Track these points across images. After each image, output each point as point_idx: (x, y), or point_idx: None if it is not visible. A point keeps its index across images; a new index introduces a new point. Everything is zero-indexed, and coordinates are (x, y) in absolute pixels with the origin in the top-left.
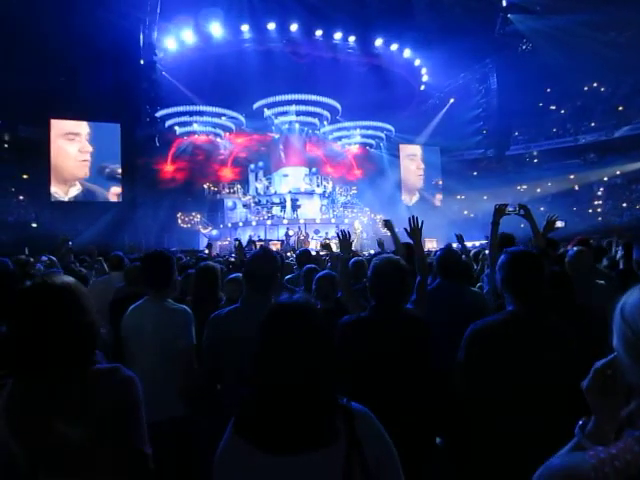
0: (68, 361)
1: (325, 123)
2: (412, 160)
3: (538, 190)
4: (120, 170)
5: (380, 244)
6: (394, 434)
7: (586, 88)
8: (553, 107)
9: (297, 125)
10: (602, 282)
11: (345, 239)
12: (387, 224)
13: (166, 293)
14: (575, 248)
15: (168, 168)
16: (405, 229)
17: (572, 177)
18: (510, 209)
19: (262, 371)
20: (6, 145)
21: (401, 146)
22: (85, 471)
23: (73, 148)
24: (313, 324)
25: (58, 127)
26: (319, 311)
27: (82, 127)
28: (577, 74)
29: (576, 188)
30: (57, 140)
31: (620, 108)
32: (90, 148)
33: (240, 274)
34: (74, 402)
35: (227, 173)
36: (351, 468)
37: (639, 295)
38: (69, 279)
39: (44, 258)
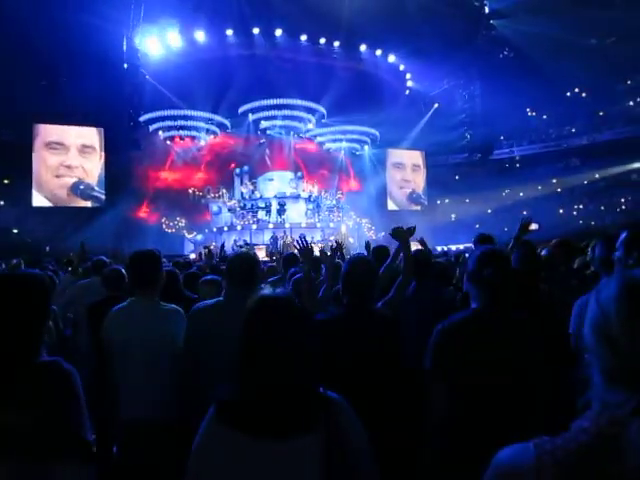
0: (11, 352)
1: (310, 127)
2: (398, 169)
3: (521, 194)
4: (97, 188)
5: (367, 247)
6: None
7: (568, 93)
8: (535, 113)
9: (282, 129)
10: (575, 282)
11: (306, 249)
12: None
13: (154, 293)
14: (546, 250)
15: (153, 174)
16: (390, 233)
17: (555, 181)
18: (534, 227)
19: (245, 359)
20: None
21: (388, 151)
22: (22, 457)
23: (55, 160)
24: (294, 315)
25: (43, 138)
26: (298, 304)
27: (72, 137)
28: (559, 79)
29: (558, 191)
30: (40, 150)
31: (601, 113)
32: (81, 162)
33: (214, 276)
34: (13, 392)
35: (212, 177)
36: (331, 454)
37: (615, 282)
38: (30, 273)
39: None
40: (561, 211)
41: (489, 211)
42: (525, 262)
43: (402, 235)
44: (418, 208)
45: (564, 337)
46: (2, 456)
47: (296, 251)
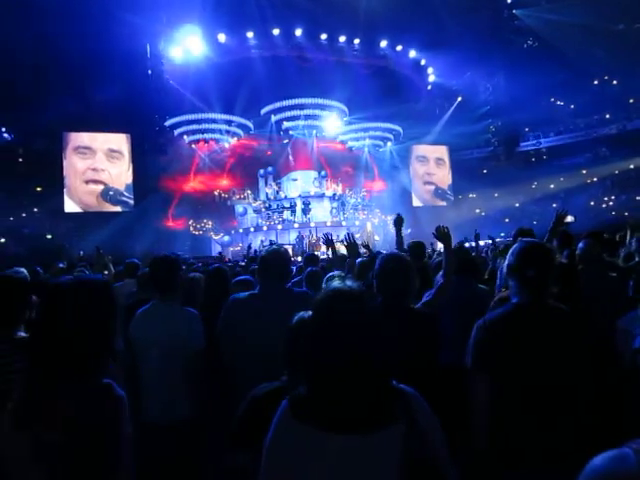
0: (86, 363)
1: (333, 126)
2: (422, 165)
3: (551, 186)
4: (126, 193)
5: (365, 246)
6: None
7: (596, 82)
8: (562, 102)
9: (305, 129)
10: (614, 275)
11: (351, 243)
12: (398, 221)
13: (172, 296)
14: (583, 241)
15: (180, 178)
16: (433, 233)
17: (584, 172)
18: (569, 219)
19: (319, 353)
20: (20, 159)
21: (413, 146)
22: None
23: (83, 165)
24: (368, 308)
25: (74, 146)
26: (366, 295)
27: (101, 144)
28: (587, 67)
29: (588, 182)
30: (70, 157)
31: (631, 101)
32: (110, 167)
33: (247, 276)
34: (69, 409)
35: (236, 179)
36: (410, 447)
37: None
38: (104, 280)
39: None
40: (592, 203)
41: (517, 205)
42: (564, 255)
43: (446, 236)
44: (444, 203)
45: (605, 332)
46: (40, 472)
47: (323, 249)
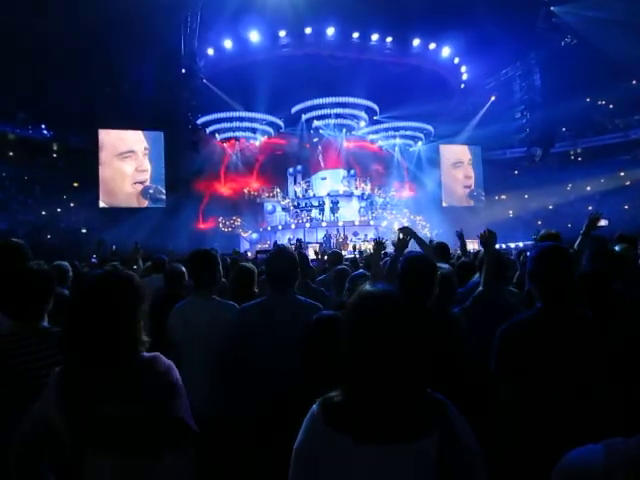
0: (120, 347)
1: (363, 125)
2: (459, 168)
3: (588, 188)
4: (164, 191)
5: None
6: None
7: (635, 81)
8: (601, 102)
9: (335, 128)
10: None
11: (400, 240)
12: (406, 231)
13: (211, 291)
14: (619, 246)
15: (211, 175)
16: (479, 236)
17: (622, 174)
18: (603, 222)
19: (354, 359)
20: (55, 155)
21: (442, 147)
22: (132, 447)
23: (129, 167)
24: (404, 311)
25: (110, 144)
26: (402, 299)
27: (137, 143)
28: (626, 66)
29: (626, 184)
30: (113, 161)
31: None
32: (148, 166)
33: None
34: (121, 386)
35: (266, 177)
36: (445, 457)
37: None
38: (130, 272)
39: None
40: (626, 207)
41: (550, 207)
42: (598, 260)
43: (489, 240)
44: (474, 204)
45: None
46: (108, 450)
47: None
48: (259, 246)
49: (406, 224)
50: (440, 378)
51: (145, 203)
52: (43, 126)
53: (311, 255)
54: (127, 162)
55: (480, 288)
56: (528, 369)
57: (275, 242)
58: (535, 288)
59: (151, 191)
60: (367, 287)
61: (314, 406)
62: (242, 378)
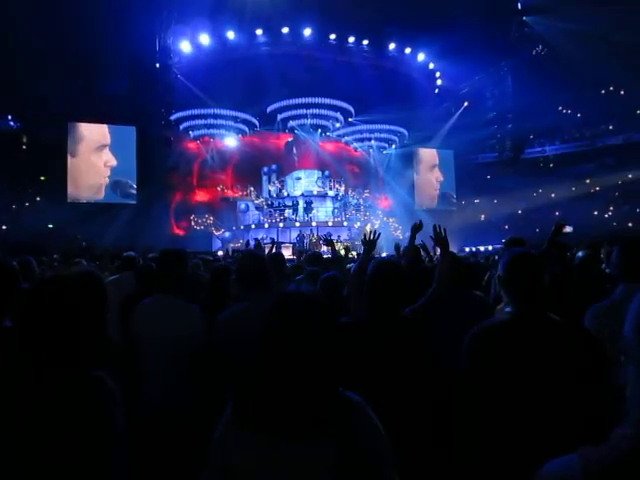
0: (66, 359)
1: (338, 125)
2: (426, 168)
3: (553, 195)
4: (135, 186)
5: (397, 249)
6: (393, 433)
7: (603, 91)
8: (570, 110)
9: (310, 128)
10: (610, 285)
11: (369, 240)
12: (416, 227)
13: (178, 291)
14: (582, 252)
15: (184, 172)
16: (431, 237)
17: (588, 181)
18: (568, 229)
19: (264, 357)
20: (24, 147)
21: (418, 149)
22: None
23: (99, 161)
24: (317, 312)
25: (80, 137)
26: (323, 301)
27: (107, 137)
28: (595, 76)
29: (592, 192)
30: (82, 155)
31: (638, 111)
32: (114, 161)
33: None
34: (55, 403)
35: (240, 176)
36: (346, 457)
37: None
38: (91, 273)
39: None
40: (595, 213)
41: (520, 212)
42: (557, 265)
43: (443, 238)
44: (447, 208)
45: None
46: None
47: (324, 248)
48: (231, 245)
49: (377, 226)
50: (412, 383)
51: (112, 197)
52: (9, 117)
53: (287, 254)
54: (96, 156)
55: (433, 285)
56: (499, 371)
57: (247, 241)
58: (506, 293)
59: (120, 185)
60: (288, 288)
61: (229, 402)
62: (213, 380)
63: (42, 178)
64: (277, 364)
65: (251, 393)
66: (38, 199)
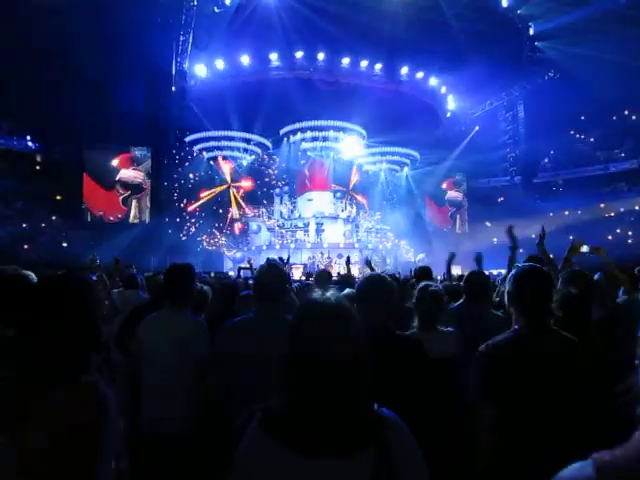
0: (58, 360)
1: (350, 148)
2: (439, 190)
3: (567, 219)
4: (149, 206)
5: (369, 264)
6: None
7: (615, 117)
8: (582, 135)
9: (323, 150)
10: None
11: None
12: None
13: (183, 304)
14: (598, 274)
15: (197, 193)
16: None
17: (602, 206)
18: (584, 249)
19: (292, 370)
20: (38, 167)
21: (430, 172)
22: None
23: (114, 183)
24: (348, 322)
25: (95, 158)
26: (353, 309)
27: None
28: (608, 101)
29: (607, 216)
30: (98, 175)
31: None
32: (133, 181)
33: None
34: (45, 408)
35: (252, 197)
36: (380, 474)
37: None
38: (84, 279)
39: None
40: (610, 237)
41: (533, 235)
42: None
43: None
44: (459, 231)
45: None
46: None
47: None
48: (241, 265)
49: (389, 248)
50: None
51: (130, 218)
52: (28, 137)
53: (297, 275)
54: (111, 178)
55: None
56: (506, 391)
57: (249, 259)
58: (515, 307)
59: (136, 204)
60: (314, 296)
61: (252, 417)
62: (220, 393)
63: (58, 197)
64: (304, 377)
65: (281, 409)
66: (53, 218)
